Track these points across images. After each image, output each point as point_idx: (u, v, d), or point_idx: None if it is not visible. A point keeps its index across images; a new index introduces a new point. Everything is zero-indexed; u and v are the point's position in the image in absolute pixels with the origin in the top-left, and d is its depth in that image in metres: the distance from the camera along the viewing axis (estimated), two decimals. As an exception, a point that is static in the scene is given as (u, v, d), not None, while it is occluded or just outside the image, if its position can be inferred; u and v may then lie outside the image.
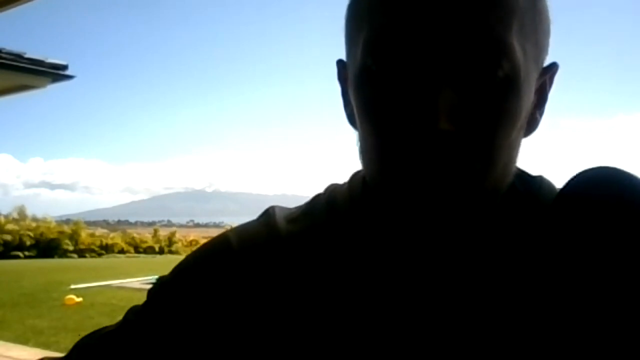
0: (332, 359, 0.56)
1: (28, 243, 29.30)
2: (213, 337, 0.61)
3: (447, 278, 0.55)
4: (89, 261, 25.24)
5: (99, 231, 39.28)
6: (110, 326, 0.66)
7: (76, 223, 33.47)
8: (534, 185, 0.61)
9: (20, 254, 27.88)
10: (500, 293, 0.55)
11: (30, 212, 34.65)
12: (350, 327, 0.56)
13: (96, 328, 0.68)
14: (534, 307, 0.54)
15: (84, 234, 32.67)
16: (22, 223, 31.48)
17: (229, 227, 0.75)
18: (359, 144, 0.57)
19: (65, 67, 6.75)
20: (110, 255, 31.14)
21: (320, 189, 0.68)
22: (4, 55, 6.23)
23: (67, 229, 32.41)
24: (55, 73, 6.72)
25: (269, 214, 0.66)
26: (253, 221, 0.67)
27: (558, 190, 0.58)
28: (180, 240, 36.36)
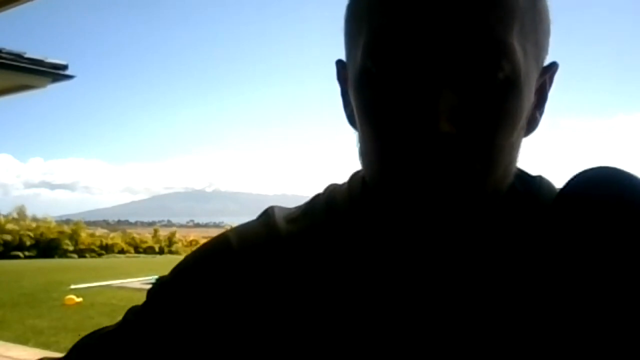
0: (332, 359, 0.56)
1: (28, 243, 29.33)
2: (213, 337, 0.61)
3: (447, 279, 0.55)
4: (89, 261, 25.29)
5: (99, 231, 39.33)
6: (110, 326, 0.66)
7: (76, 223, 33.59)
8: (534, 185, 0.61)
9: (20, 254, 27.91)
10: (500, 293, 0.54)
11: (30, 212, 34.83)
12: (350, 327, 0.56)
13: (96, 328, 0.68)
14: (534, 307, 0.54)
15: (84, 234, 32.72)
16: (22, 223, 31.53)
17: (229, 227, 0.75)
18: (358, 144, 0.57)
19: (65, 67, 6.75)
20: (110, 255, 31.18)
21: (320, 189, 0.67)
22: (4, 55, 6.23)
23: (67, 229, 32.44)
24: (55, 73, 6.72)
25: (268, 214, 0.66)
26: (253, 221, 0.67)
27: (558, 190, 0.58)
28: (180, 240, 36.39)
